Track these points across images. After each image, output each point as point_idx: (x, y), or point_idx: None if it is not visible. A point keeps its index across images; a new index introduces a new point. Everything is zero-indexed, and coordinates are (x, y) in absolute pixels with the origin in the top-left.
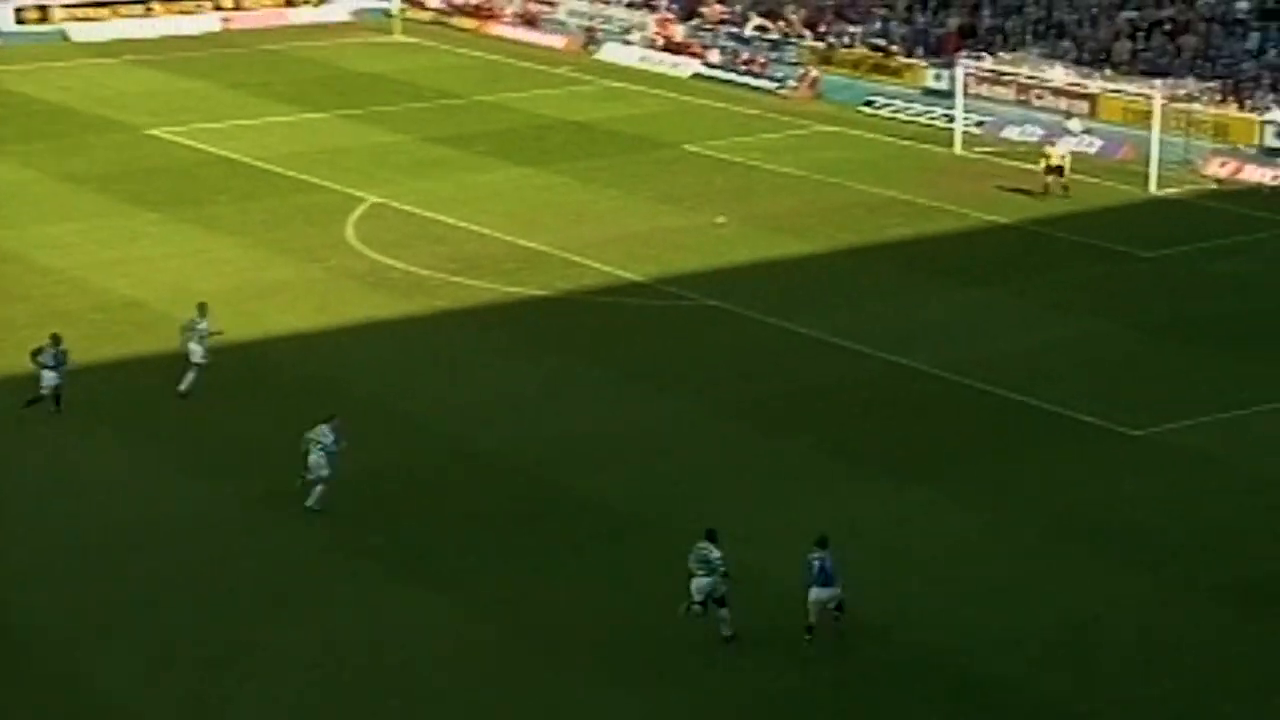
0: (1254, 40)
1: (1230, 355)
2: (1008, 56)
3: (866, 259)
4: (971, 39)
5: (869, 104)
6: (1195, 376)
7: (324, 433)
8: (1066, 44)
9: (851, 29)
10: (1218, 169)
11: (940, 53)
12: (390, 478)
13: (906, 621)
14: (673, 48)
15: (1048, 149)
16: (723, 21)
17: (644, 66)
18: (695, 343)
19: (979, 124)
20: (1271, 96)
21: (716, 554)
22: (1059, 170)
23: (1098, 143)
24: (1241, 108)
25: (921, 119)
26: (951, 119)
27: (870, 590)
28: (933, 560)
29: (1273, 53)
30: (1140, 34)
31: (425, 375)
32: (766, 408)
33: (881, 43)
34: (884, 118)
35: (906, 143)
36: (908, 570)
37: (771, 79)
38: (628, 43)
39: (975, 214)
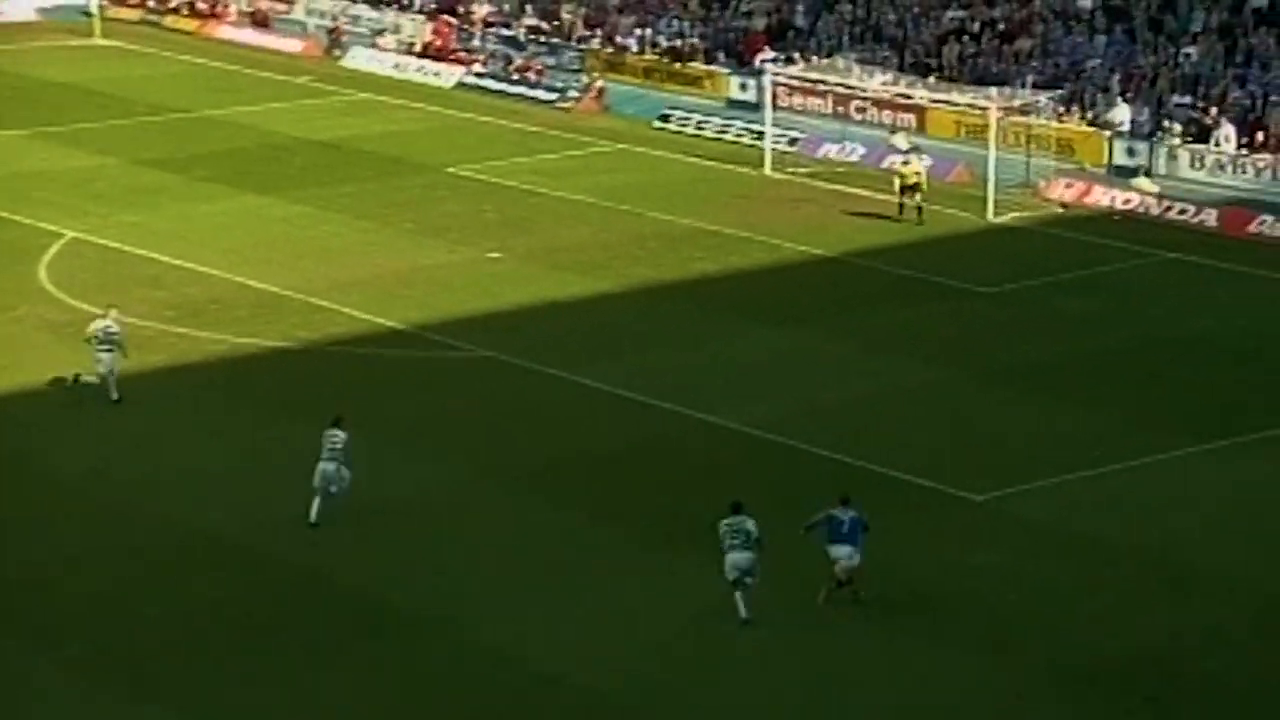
0: (1100, 42)
1: (1081, 405)
2: (822, 62)
3: (665, 298)
4: (781, 41)
5: (664, 118)
6: (1042, 431)
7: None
8: (886, 49)
9: (640, 30)
10: (1063, 192)
11: (744, 58)
12: (93, 570)
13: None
14: (433, 53)
15: (901, 166)
16: (490, 23)
17: (399, 75)
18: (467, 400)
19: (792, 141)
20: (1118, 96)
21: (752, 523)
22: (914, 189)
23: (927, 161)
24: (1085, 117)
25: (726, 135)
26: (760, 135)
27: (666, 695)
28: (752, 656)
29: (1115, 53)
30: (969, 37)
31: (136, 446)
32: (545, 475)
33: (678, 45)
34: (682, 134)
35: (709, 163)
36: (719, 668)
37: (550, 89)
38: (379, 47)
39: (789, 245)
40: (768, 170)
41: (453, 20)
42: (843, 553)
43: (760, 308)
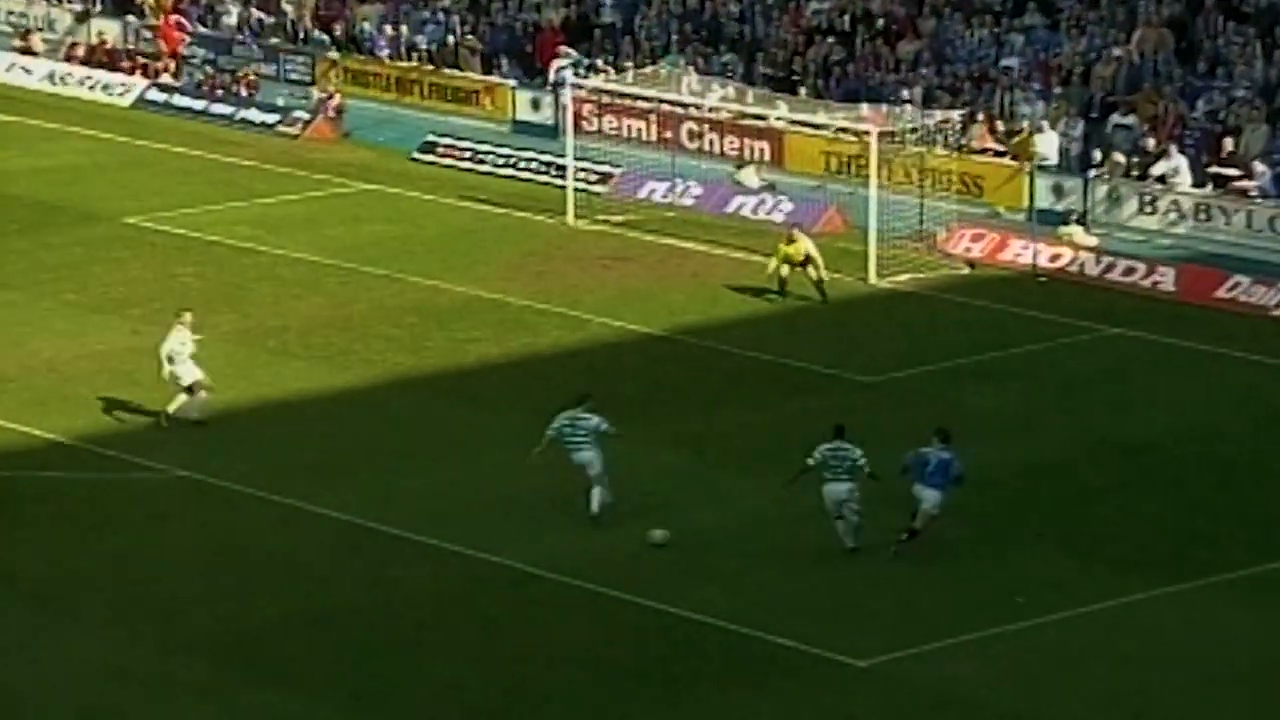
0: (1015, 41)
1: (985, 541)
2: (643, 72)
3: (428, 393)
4: (585, 43)
5: (427, 148)
6: (938, 578)
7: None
8: (728, 54)
9: (391, 27)
10: (969, 245)
11: (536, 65)
12: None
13: None
14: (102, 60)
15: (784, 245)
16: (179, 17)
17: (53, 89)
18: (150, 540)
19: (602, 179)
20: (1040, 111)
21: (859, 452)
22: (806, 263)
23: (785, 205)
24: (995, 134)
25: (513, 171)
26: (560, 171)
27: None
28: None
29: (1034, 54)
30: (837, 37)
31: None
32: (251, 643)
33: (444, 47)
34: (453, 169)
35: (490, 209)
36: None
37: (268, 108)
38: (25, 51)
39: (600, 319)
40: (570, 219)
41: (184, 20)
42: (927, 497)
43: (559, 406)
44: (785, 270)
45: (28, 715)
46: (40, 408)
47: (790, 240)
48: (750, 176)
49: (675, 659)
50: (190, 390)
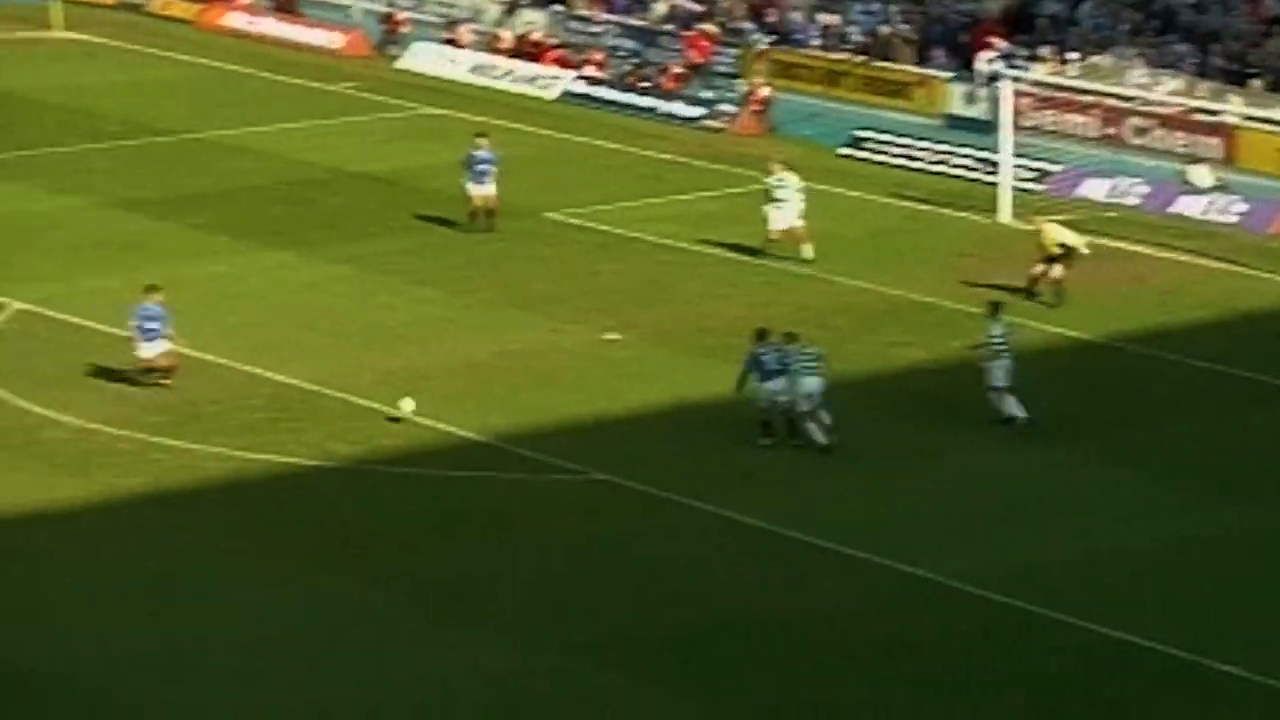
0: None
1: None
2: (1085, 63)
3: (851, 397)
4: (1026, 34)
5: (855, 143)
6: None
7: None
8: (1181, 44)
9: (821, 19)
10: None
11: (971, 57)
12: None
13: None
14: (528, 52)
15: (1044, 223)
16: (607, 5)
17: (479, 82)
18: (574, 543)
19: (1040, 176)
20: None
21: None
22: (1066, 257)
23: (1238, 205)
24: None
25: (944, 168)
26: (994, 168)
27: None
28: None
29: None
30: None
31: (110, 610)
32: (660, 649)
33: (876, 38)
34: (881, 165)
35: (920, 207)
36: None
37: (694, 101)
38: (451, 43)
39: (1035, 324)
40: (1004, 217)
41: (710, 29)
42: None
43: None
44: (1041, 269)
45: (431, 713)
46: (458, 406)
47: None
48: (1202, 175)
49: (1104, 680)
50: None
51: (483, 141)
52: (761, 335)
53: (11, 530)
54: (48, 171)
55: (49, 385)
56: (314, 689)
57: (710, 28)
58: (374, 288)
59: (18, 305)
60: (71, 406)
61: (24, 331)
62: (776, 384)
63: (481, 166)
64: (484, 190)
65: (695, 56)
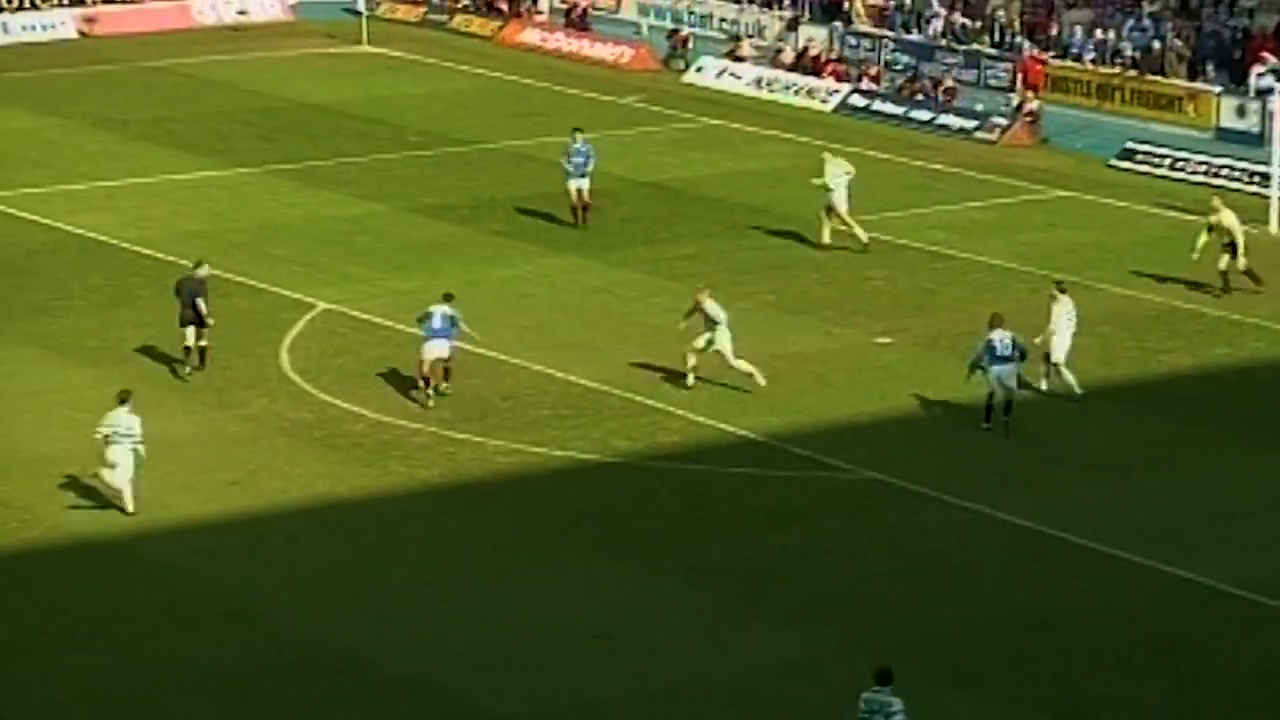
0: None
1: None
2: None
3: (1117, 402)
4: None
5: (1126, 154)
6: None
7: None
8: None
9: (1097, 32)
10: None
11: (1243, 71)
12: None
13: None
14: (808, 65)
15: (1212, 212)
16: (883, 21)
17: (762, 95)
18: (837, 540)
19: None
20: None
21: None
22: (1234, 247)
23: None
24: None
25: (1215, 179)
26: (1265, 180)
27: None
28: None
29: None
30: None
31: (408, 595)
32: (931, 645)
33: (1148, 53)
34: (1151, 176)
35: (1189, 218)
36: None
37: (966, 113)
38: (736, 57)
39: None
40: (1275, 229)
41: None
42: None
43: (1261, 423)
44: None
45: (715, 707)
46: (736, 405)
47: (1215, 210)
48: None
49: None
50: None
51: (580, 135)
52: (996, 322)
53: (323, 516)
54: (353, 180)
55: (353, 379)
56: (594, 682)
57: (1037, 51)
58: (655, 291)
59: (324, 305)
60: (372, 400)
61: (328, 330)
62: (1003, 369)
63: (579, 160)
64: (580, 184)
65: (1033, 79)
